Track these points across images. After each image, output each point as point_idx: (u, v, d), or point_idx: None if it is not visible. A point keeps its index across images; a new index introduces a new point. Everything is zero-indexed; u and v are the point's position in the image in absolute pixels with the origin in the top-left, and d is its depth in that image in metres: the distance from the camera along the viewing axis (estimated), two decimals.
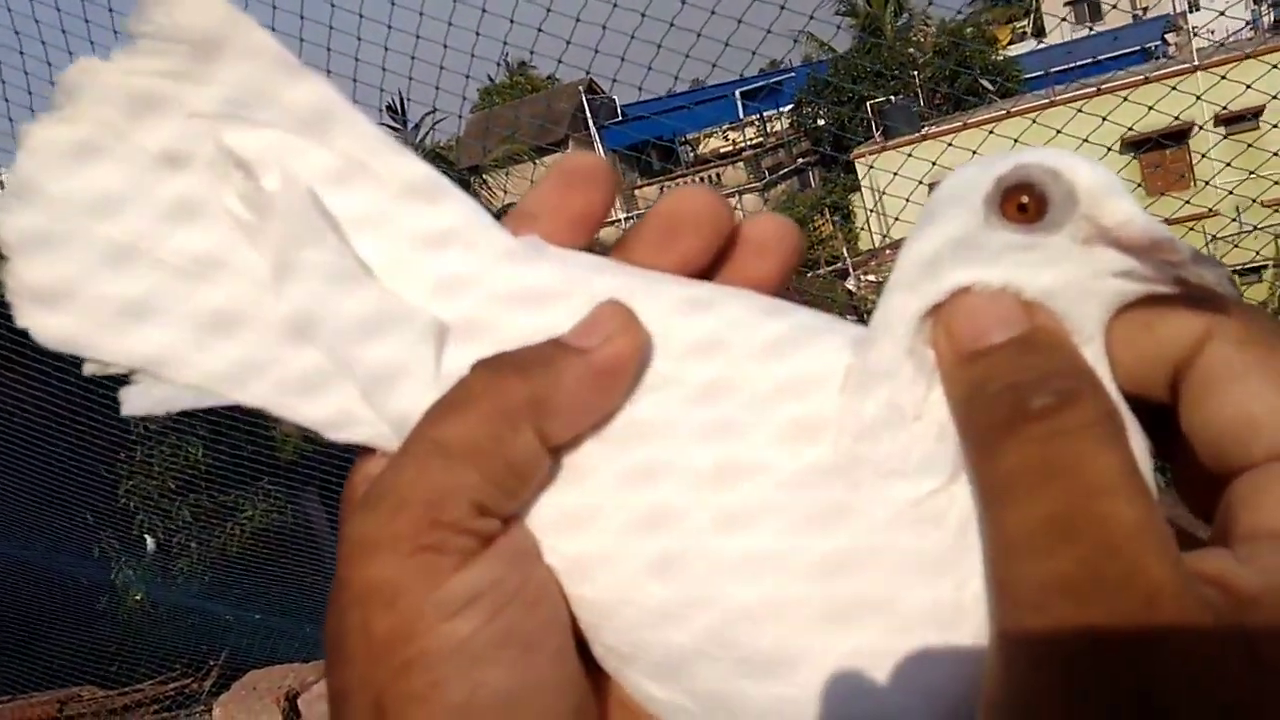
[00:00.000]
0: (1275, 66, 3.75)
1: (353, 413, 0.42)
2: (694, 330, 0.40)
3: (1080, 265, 0.35)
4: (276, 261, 0.42)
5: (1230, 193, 4.83)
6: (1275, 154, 3.97)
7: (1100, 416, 0.32)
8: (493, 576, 0.37)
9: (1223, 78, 3.84)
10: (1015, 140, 3.71)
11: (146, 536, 5.73)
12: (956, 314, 0.35)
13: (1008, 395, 0.33)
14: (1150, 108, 3.79)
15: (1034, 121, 4.02)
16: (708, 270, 0.43)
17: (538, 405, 0.38)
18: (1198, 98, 4.03)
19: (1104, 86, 4.54)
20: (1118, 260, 0.35)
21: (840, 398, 0.37)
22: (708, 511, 0.37)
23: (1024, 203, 0.35)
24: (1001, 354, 0.34)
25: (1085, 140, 3.78)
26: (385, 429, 0.41)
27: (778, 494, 0.36)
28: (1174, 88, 3.91)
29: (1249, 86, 3.68)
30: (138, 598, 6.06)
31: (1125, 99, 3.87)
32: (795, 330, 0.39)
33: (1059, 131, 3.72)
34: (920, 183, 3.82)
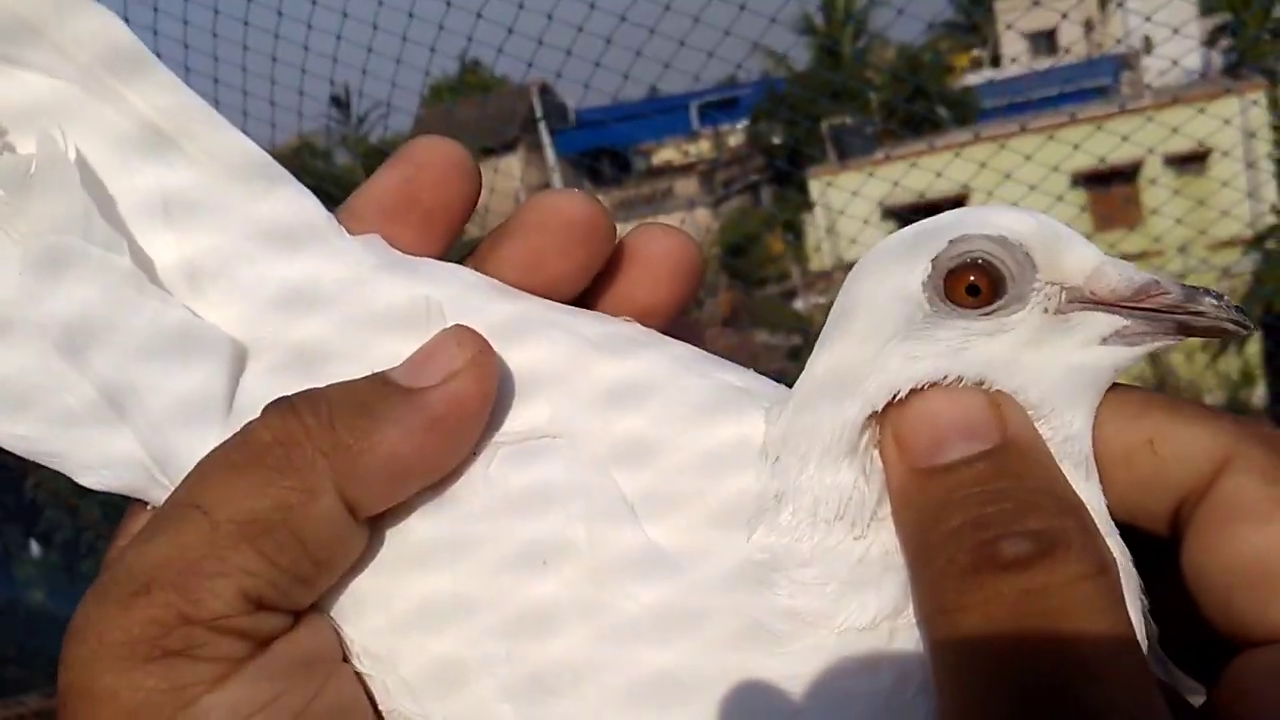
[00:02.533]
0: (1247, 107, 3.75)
1: (117, 454, 0.32)
2: (604, 376, 0.33)
3: (1060, 340, 0.30)
4: (31, 254, 0.32)
5: (1157, 240, 4.88)
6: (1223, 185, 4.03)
7: (1090, 569, 0.26)
8: (266, 694, 0.28)
9: (1174, 131, 3.86)
10: (982, 164, 3.70)
11: (32, 540, 5.51)
12: (908, 417, 0.30)
13: (972, 533, 0.27)
14: (1107, 152, 3.77)
15: (983, 166, 3.98)
16: (582, 296, 0.36)
17: (346, 463, 0.29)
18: (1158, 143, 4.05)
19: (1058, 123, 4.57)
20: (1103, 322, 0.30)
21: (758, 489, 0.31)
22: (591, 619, 0.30)
23: (973, 283, 0.30)
24: (965, 474, 0.28)
25: (1035, 186, 3.75)
26: (162, 478, 0.32)
27: (682, 603, 0.30)
28: (1125, 137, 3.92)
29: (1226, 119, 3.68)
30: (39, 599, 5.80)
31: (1076, 147, 3.88)
32: (718, 392, 0.33)
33: (1007, 176, 3.69)
34: (879, 204, 3.80)
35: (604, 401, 0.33)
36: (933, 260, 0.30)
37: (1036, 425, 0.30)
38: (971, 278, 0.30)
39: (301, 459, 0.29)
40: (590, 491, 0.31)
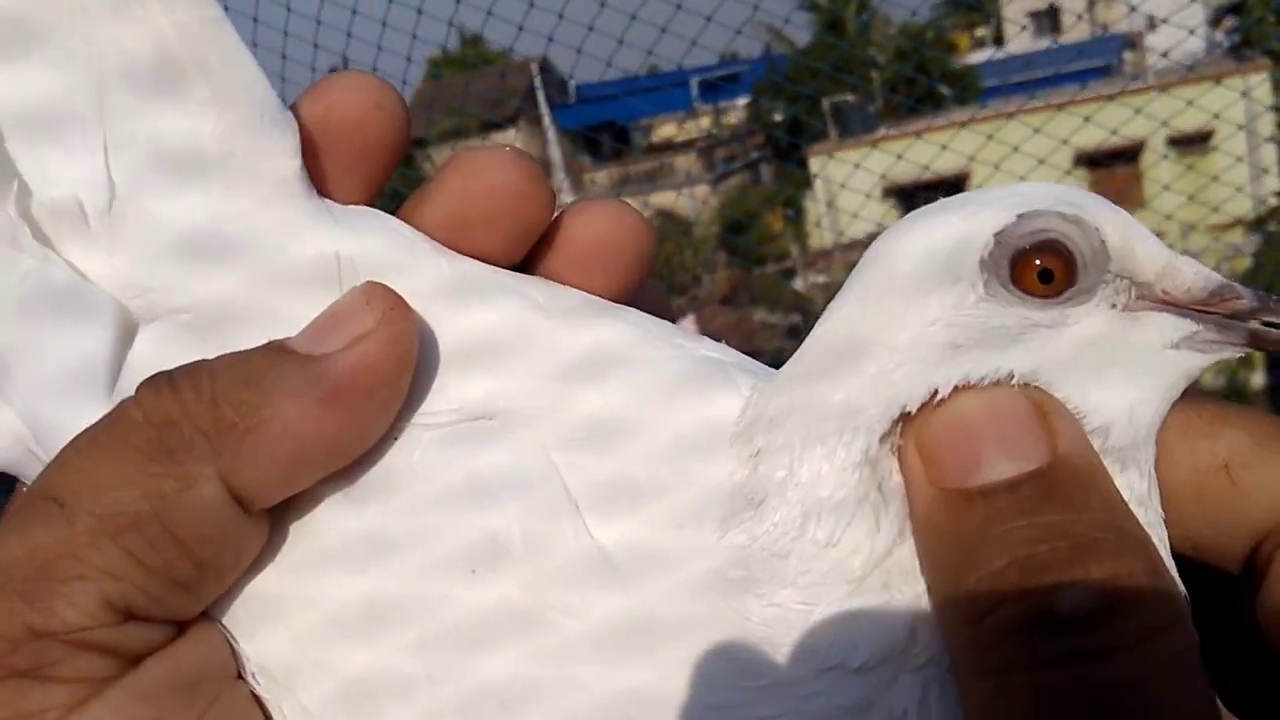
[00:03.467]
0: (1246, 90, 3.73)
1: None
2: (553, 348, 0.29)
3: (1127, 340, 0.27)
4: None
5: (1169, 218, 4.86)
6: (1217, 180, 4.01)
7: (1164, 621, 0.22)
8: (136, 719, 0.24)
9: (1167, 120, 3.84)
10: (971, 157, 3.68)
11: None
12: (938, 425, 0.25)
13: (1019, 579, 0.23)
14: (1113, 131, 3.74)
15: (990, 138, 3.96)
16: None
17: (230, 445, 0.25)
18: (1165, 121, 4.04)
19: (1062, 102, 4.54)
20: (1173, 325, 0.27)
21: (731, 485, 0.27)
22: (525, 638, 0.26)
23: (1046, 269, 0.27)
24: (1007, 501, 0.24)
25: (1043, 160, 3.73)
26: (43, 456, 0.27)
27: (635, 623, 0.26)
28: (1137, 111, 3.90)
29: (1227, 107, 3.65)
30: None
31: (1087, 119, 3.85)
32: (688, 365, 0.29)
33: (1015, 149, 3.66)
34: (882, 176, 3.79)
35: (552, 378, 0.29)
36: (997, 234, 0.26)
37: (1091, 439, 0.26)
38: (1043, 262, 0.26)
39: (177, 440, 0.25)
40: (530, 486, 0.27)
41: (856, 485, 0.26)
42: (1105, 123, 3.85)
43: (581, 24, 3.17)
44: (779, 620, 0.26)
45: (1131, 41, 10.97)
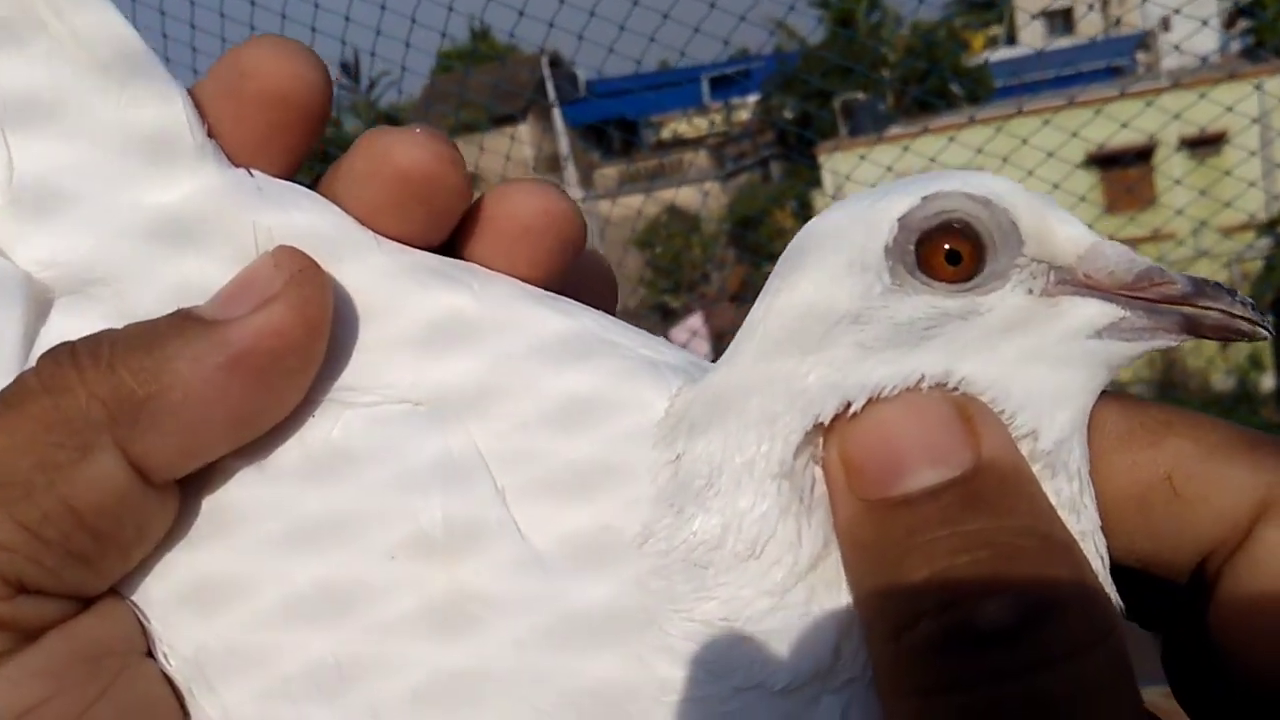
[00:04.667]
0: (1260, 85, 3.70)
1: None
2: (487, 340, 0.28)
3: (1045, 328, 0.25)
4: None
5: (1179, 213, 4.85)
6: (1229, 173, 3.99)
7: (1091, 635, 0.21)
8: (30, 696, 0.23)
9: (1176, 117, 3.82)
10: (979, 151, 3.66)
11: None
12: (858, 433, 0.24)
13: (939, 593, 0.22)
14: (1124, 124, 3.73)
15: (999, 130, 3.93)
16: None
17: (128, 413, 0.24)
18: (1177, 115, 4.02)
19: (1073, 101, 4.52)
20: (1097, 310, 0.26)
21: (654, 491, 0.26)
22: (443, 638, 0.25)
23: (953, 250, 0.25)
24: (929, 510, 0.23)
25: (1052, 153, 3.71)
26: None
27: (555, 628, 0.25)
28: (1149, 103, 3.88)
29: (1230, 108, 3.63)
30: None
31: (1097, 112, 3.83)
32: (625, 365, 0.28)
33: (1024, 141, 3.65)
34: (889, 169, 3.78)
35: (481, 370, 0.27)
36: (900, 219, 0.25)
37: (1020, 445, 0.25)
38: (950, 243, 0.25)
39: (73, 408, 0.24)
40: (457, 476, 0.26)
41: (777, 496, 0.25)
42: (1115, 124, 3.82)
43: (589, 18, 3.16)
44: (699, 634, 0.25)
45: (1145, 42, 10.93)
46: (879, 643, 0.23)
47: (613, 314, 0.32)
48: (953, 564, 0.22)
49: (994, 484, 0.23)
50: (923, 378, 0.25)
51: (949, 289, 0.25)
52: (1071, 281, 0.26)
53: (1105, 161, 8.00)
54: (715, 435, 0.26)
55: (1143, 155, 8.08)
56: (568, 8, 3.15)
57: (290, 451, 0.27)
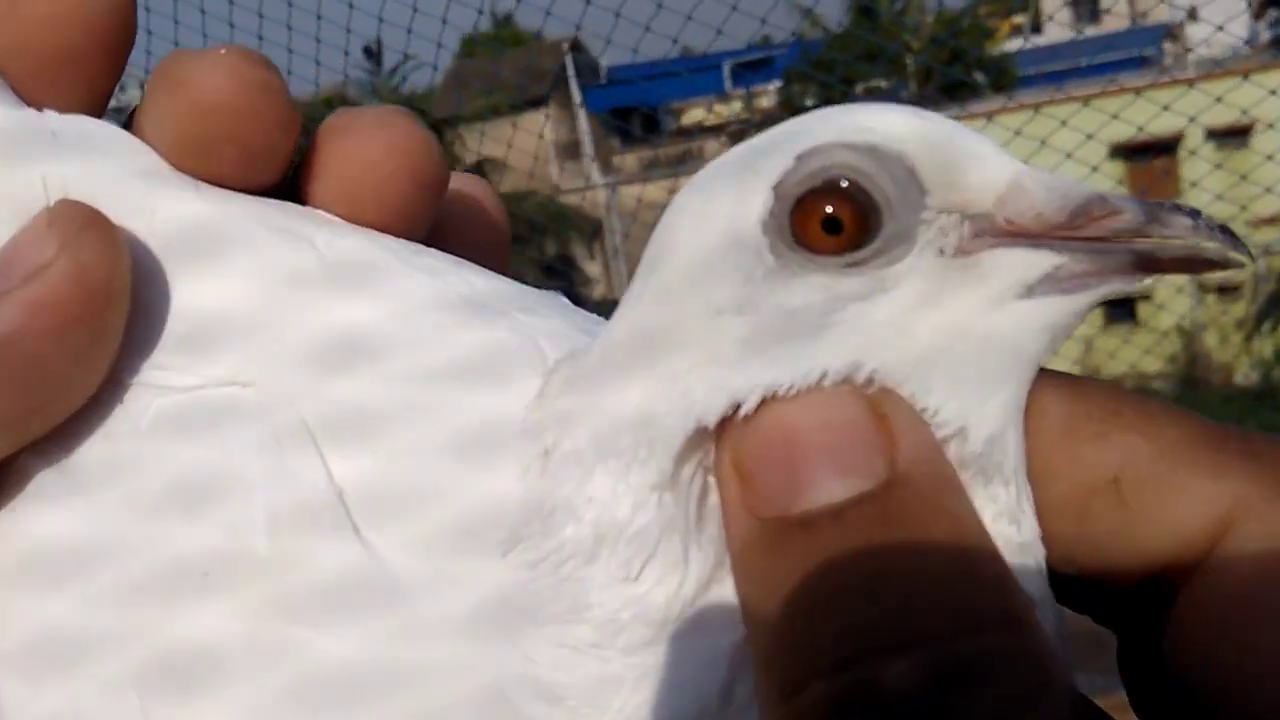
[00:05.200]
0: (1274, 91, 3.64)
1: None
2: (329, 309, 0.24)
3: (966, 295, 0.21)
4: None
5: (1219, 197, 4.79)
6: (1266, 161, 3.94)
7: (1026, 691, 0.18)
8: None
9: (1218, 100, 3.77)
10: (1016, 132, 3.63)
11: None
12: (753, 439, 0.21)
13: (837, 645, 0.18)
14: (1142, 124, 3.68)
15: (1030, 118, 3.90)
16: None
17: None
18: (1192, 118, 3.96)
19: (1098, 92, 4.48)
20: (1027, 261, 0.21)
21: (521, 490, 0.22)
22: (262, 666, 0.21)
23: (832, 215, 0.21)
24: (831, 534, 0.19)
25: (1070, 154, 3.67)
26: None
27: (397, 654, 0.21)
28: (1166, 106, 3.83)
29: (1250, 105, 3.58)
30: None
31: (1116, 116, 3.80)
32: (490, 342, 0.24)
33: (1042, 142, 3.61)
34: None
35: (326, 344, 0.24)
36: (774, 187, 0.21)
37: (938, 436, 0.21)
38: (829, 208, 0.21)
39: None
40: (286, 478, 0.22)
41: (659, 509, 0.21)
42: (1141, 114, 3.78)
43: (610, 8, 3.15)
44: (568, 665, 0.21)
45: (1172, 32, 10.81)
46: (768, 701, 0.19)
47: (501, 268, 0.29)
48: (854, 608, 0.18)
49: (911, 500, 0.19)
50: (825, 374, 0.20)
51: (840, 263, 0.21)
52: (991, 231, 0.21)
53: (1131, 152, 7.92)
54: (587, 430, 0.22)
55: (1169, 146, 8.00)
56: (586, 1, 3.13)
57: (93, 449, 0.23)
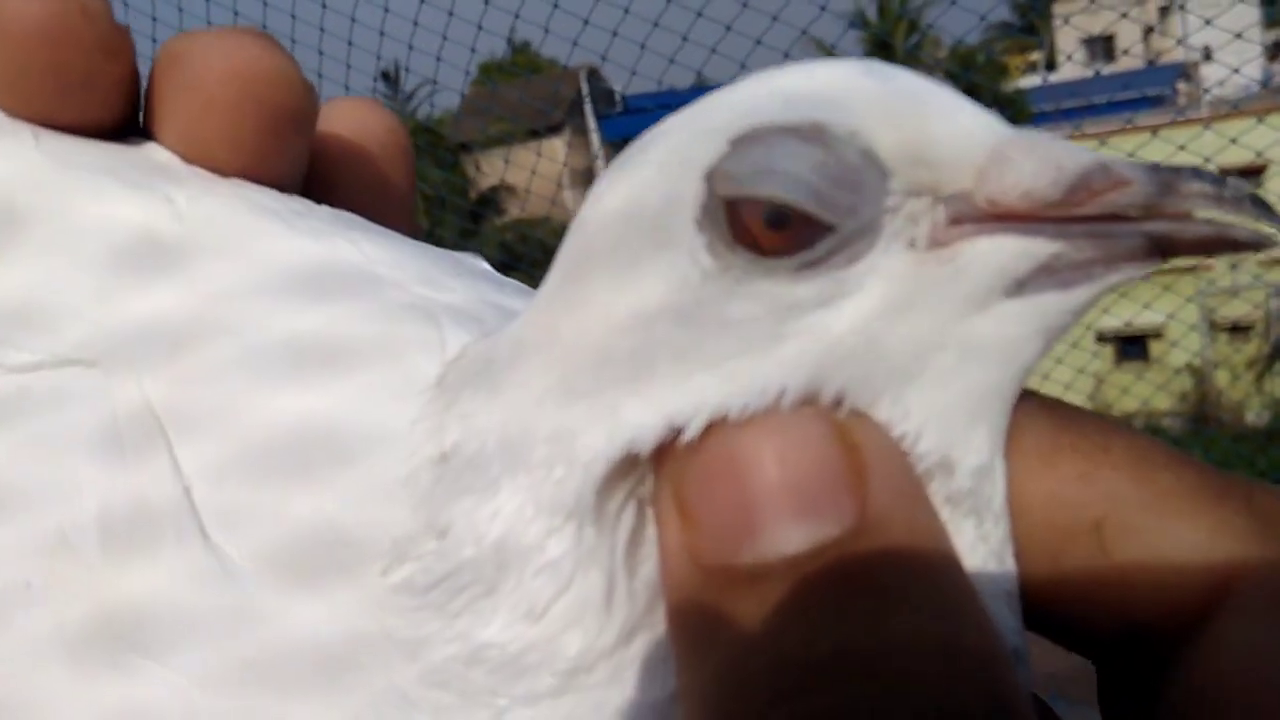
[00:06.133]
0: None
1: None
2: (213, 274, 0.21)
3: (942, 296, 0.17)
4: None
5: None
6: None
7: None
8: None
9: (1232, 141, 3.79)
10: None
11: None
12: (697, 471, 0.17)
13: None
14: (1180, 149, 3.70)
15: None
16: None
17: None
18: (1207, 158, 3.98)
19: (1112, 130, 4.49)
20: (1013, 252, 0.17)
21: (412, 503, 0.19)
22: (86, 702, 0.18)
23: (776, 211, 0.17)
24: (785, 593, 0.16)
25: None
26: None
27: (243, 688, 0.18)
28: (1182, 146, 3.84)
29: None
30: None
31: (1132, 155, 3.80)
32: (379, 319, 0.20)
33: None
34: None
35: (183, 316, 0.20)
36: (708, 176, 0.17)
37: (919, 469, 0.18)
38: (769, 210, 0.17)
39: None
40: (124, 466, 0.19)
41: (576, 542, 0.18)
42: (1156, 153, 3.79)
43: (633, 41, 3.18)
44: (453, 713, 0.18)
45: (1187, 72, 10.84)
46: None
47: (403, 222, 0.26)
48: (805, 689, 0.15)
49: (884, 552, 0.16)
50: (783, 393, 0.17)
51: (791, 265, 0.17)
52: (971, 215, 0.17)
53: None
54: (495, 434, 0.18)
55: None
56: (604, 23, 3.17)
57: None
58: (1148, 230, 0.17)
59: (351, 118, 0.27)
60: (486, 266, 0.25)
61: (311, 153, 0.25)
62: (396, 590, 0.18)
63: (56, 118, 0.23)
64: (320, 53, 3.20)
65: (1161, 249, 0.17)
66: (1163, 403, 7.26)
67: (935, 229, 0.17)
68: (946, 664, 0.15)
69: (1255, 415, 7.20)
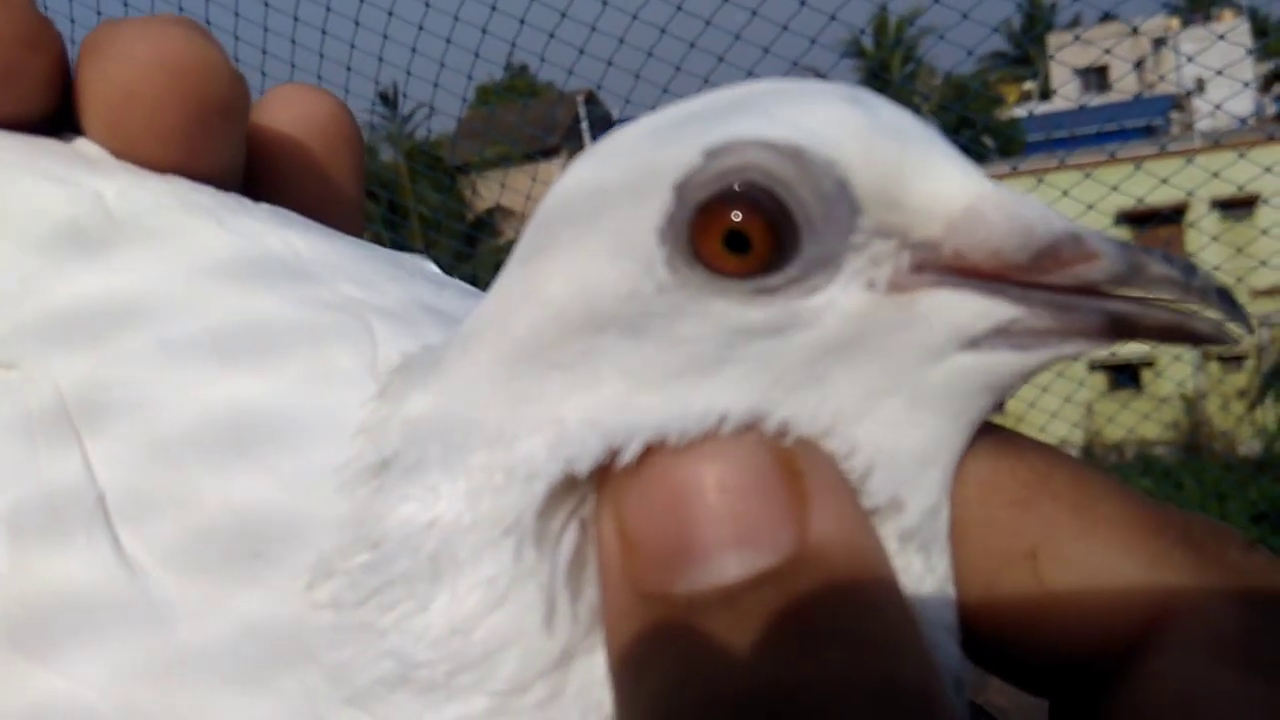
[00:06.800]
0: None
1: None
2: (137, 274, 0.20)
3: (898, 343, 0.17)
4: None
5: (1216, 268, 4.81)
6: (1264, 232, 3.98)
7: None
8: None
9: (1214, 175, 3.82)
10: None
11: None
12: (636, 495, 0.17)
13: None
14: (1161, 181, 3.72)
15: (1035, 185, 3.94)
16: None
17: None
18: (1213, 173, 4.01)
19: (1103, 160, 4.54)
20: (973, 310, 0.17)
21: (343, 511, 0.18)
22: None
23: (737, 229, 0.17)
24: (719, 622, 0.15)
25: (1090, 206, 3.71)
26: None
27: (153, 700, 0.17)
28: (1164, 180, 3.87)
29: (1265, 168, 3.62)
30: None
31: (1137, 168, 3.84)
32: (304, 322, 0.20)
33: (1065, 193, 3.65)
34: None
35: (96, 316, 0.20)
36: (677, 187, 0.17)
37: (867, 506, 0.17)
38: (736, 215, 0.17)
39: None
40: (33, 467, 0.19)
41: (514, 560, 0.17)
42: (1147, 183, 3.82)
43: (627, 70, 3.21)
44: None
45: (1179, 103, 10.93)
46: None
47: (348, 220, 0.25)
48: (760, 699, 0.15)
49: (822, 583, 0.16)
50: (724, 419, 0.17)
51: (746, 289, 0.17)
52: (935, 265, 0.17)
53: (1137, 220, 7.97)
54: (438, 443, 0.18)
55: (1174, 215, 8.04)
56: (599, 52, 3.19)
57: None
58: (1110, 309, 0.17)
59: (292, 107, 0.26)
60: (431, 268, 0.24)
61: (249, 146, 0.25)
62: (319, 606, 0.18)
63: None
64: (319, 77, 3.22)
65: (1120, 329, 0.17)
66: (1154, 431, 7.27)
67: (897, 273, 0.17)
68: (881, 701, 0.15)
69: (1246, 445, 7.22)
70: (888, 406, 0.17)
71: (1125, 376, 9.27)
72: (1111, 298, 0.17)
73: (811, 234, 0.17)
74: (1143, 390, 8.68)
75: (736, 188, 0.17)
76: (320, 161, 0.26)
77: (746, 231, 0.17)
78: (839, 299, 0.17)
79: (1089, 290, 0.17)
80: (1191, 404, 7.77)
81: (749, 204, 0.17)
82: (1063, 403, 3.97)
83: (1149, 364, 8.80)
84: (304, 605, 0.18)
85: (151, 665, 0.17)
